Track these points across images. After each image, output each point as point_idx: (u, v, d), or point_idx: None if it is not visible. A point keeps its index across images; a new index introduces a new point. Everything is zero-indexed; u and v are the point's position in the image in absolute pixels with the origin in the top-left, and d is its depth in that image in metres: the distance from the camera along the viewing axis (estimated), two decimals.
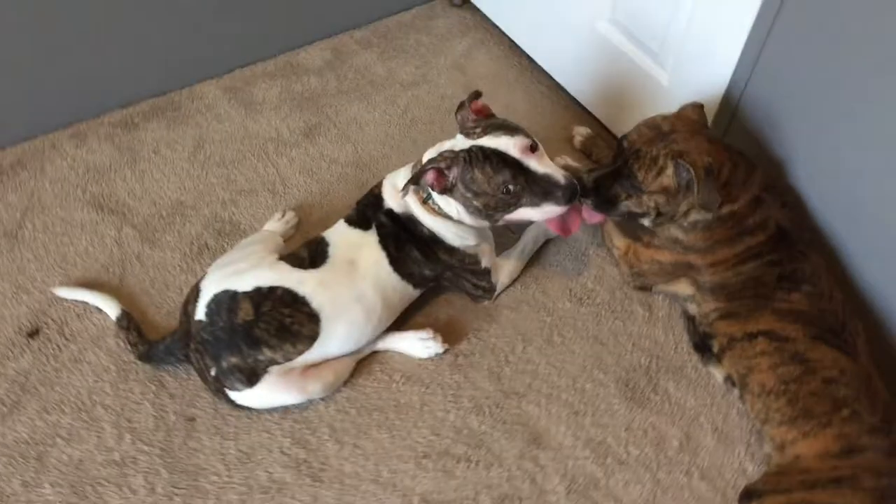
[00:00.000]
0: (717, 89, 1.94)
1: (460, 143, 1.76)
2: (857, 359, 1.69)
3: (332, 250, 1.80)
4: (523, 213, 1.78)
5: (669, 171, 1.69)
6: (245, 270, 1.74)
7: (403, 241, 1.83)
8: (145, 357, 1.84)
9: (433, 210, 1.82)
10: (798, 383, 1.68)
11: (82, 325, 1.95)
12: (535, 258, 2.12)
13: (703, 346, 1.93)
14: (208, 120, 2.42)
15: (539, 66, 2.57)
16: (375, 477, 1.74)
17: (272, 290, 1.71)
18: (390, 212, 1.83)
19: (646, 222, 1.86)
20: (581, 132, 2.34)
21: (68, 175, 2.25)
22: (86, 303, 1.97)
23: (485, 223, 1.83)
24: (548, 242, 2.15)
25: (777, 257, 1.75)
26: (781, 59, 1.74)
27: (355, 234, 1.83)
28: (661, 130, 1.76)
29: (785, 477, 1.66)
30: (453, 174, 1.72)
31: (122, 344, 1.90)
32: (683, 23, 1.93)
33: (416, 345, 1.92)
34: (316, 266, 1.77)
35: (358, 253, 1.80)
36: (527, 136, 1.76)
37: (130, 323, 1.89)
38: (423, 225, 1.83)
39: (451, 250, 1.86)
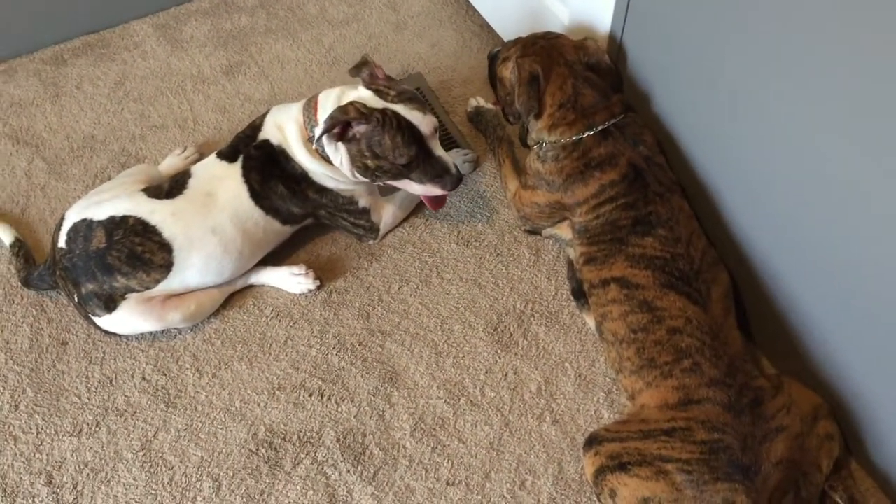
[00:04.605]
0: (604, 28, 1.88)
1: (369, 99, 1.76)
2: (707, 309, 1.62)
3: (192, 182, 1.82)
4: (405, 184, 1.85)
5: (509, 64, 1.84)
6: (105, 200, 1.78)
7: (269, 175, 1.83)
8: (25, 282, 1.91)
9: (315, 151, 1.82)
10: (645, 332, 1.63)
11: None
12: None
13: (580, 292, 1.89)
14: (134, 57, 2.46)
15: (472, 5, 2.52)
16: (228, 406, 1.78)
17: (125, 218, 1.75)
18: (265, 143, 1.84)
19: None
20: (473, 103, 2.29)
21: None
22: None
23: (363, 179, 1.84)
24: None
25: (632, 200, 1.70)
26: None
27: (220, 166, 1.84)
28: (546, 38, 1.86)
29: (626, 425, 1.62)
30: (360, 129, 1.73)
31: (11, 269, 1.98)
32: None
33: (289, 280, 1.94)
34: (172, 197, 1.79)
35: (218, 185, 1.81)
36: (434, 115, 1.81)
37: (21, 250, 1.96)
38: (295, 161, 1.84)
39: (323, 190, 1.87)
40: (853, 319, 1.49)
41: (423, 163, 1.78)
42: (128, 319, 1.79)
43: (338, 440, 1.72)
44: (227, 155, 1.86)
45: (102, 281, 1.74)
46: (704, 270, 1.66)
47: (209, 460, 1.71)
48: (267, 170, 1.83)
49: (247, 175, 1.82)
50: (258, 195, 1.82)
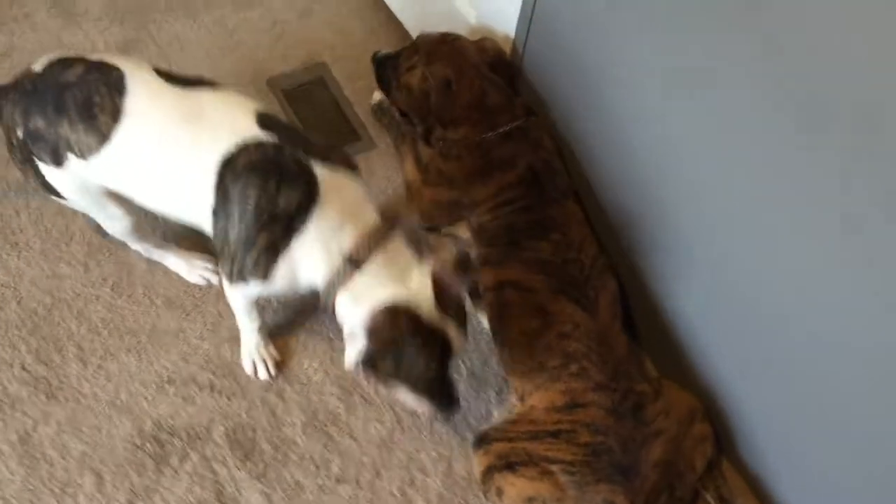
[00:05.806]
0: (508, 32, 1.92)
1: (425, 305, 1.42)
2: (596, 314, 1.68)
3: (202, 93, 1.50)
4: (396, 389, 1.50)
5: (417, 73, 1.85)
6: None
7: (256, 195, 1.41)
8: None
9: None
10: (537, 336, 1.67)
11: None
12: None
13: (475, 292, 1.92)
14: (23, 29, 2.34)
15: None
16: (113, 399, 1.73)
17: (113, 67, 1.49)
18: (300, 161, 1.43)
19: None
20: (377, 97, 2.27)
21: None
22: None
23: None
24: None
25: (528, 203, 1.74)
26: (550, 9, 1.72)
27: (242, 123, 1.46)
28: (446, 41, 1.87)
29: (515, 426, 1.66)
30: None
31: None
32: None
33: (192, 268, 1.89)
34: (174, 84, 1.50)
35: (208, 126, 1.44)
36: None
37: None
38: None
39: (269, 265, 1.46)
40: (725, 327, 1.58)
41: (436, 382, 1.46)
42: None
43: (227, 436, 1.71)
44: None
45: (50, 121, 1.49)
46: (594, 277, 1.71)
47: (91, 455, 1.66)
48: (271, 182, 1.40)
49: (223, 171, 1.42)
50: (218, 196, 1.44)
